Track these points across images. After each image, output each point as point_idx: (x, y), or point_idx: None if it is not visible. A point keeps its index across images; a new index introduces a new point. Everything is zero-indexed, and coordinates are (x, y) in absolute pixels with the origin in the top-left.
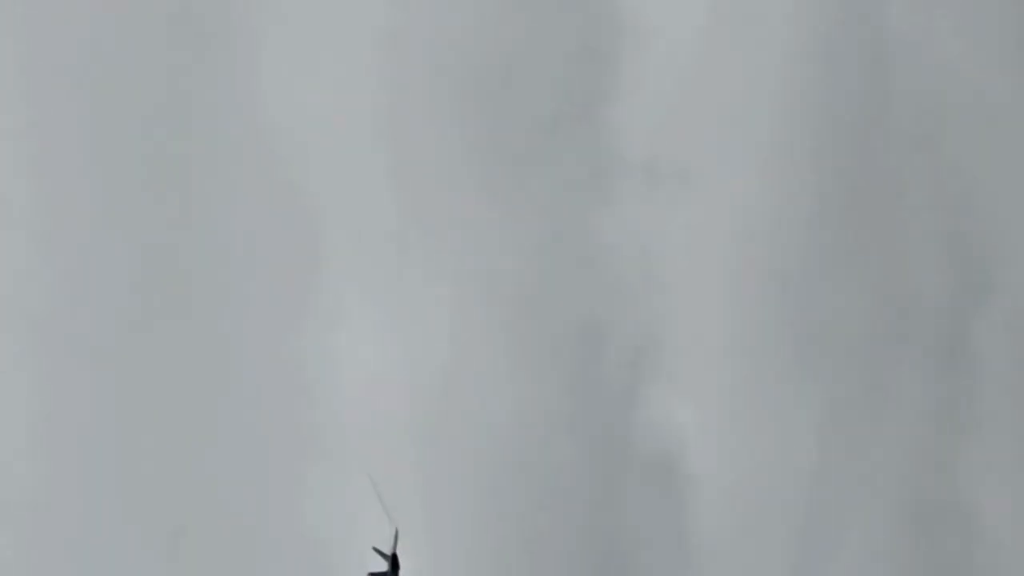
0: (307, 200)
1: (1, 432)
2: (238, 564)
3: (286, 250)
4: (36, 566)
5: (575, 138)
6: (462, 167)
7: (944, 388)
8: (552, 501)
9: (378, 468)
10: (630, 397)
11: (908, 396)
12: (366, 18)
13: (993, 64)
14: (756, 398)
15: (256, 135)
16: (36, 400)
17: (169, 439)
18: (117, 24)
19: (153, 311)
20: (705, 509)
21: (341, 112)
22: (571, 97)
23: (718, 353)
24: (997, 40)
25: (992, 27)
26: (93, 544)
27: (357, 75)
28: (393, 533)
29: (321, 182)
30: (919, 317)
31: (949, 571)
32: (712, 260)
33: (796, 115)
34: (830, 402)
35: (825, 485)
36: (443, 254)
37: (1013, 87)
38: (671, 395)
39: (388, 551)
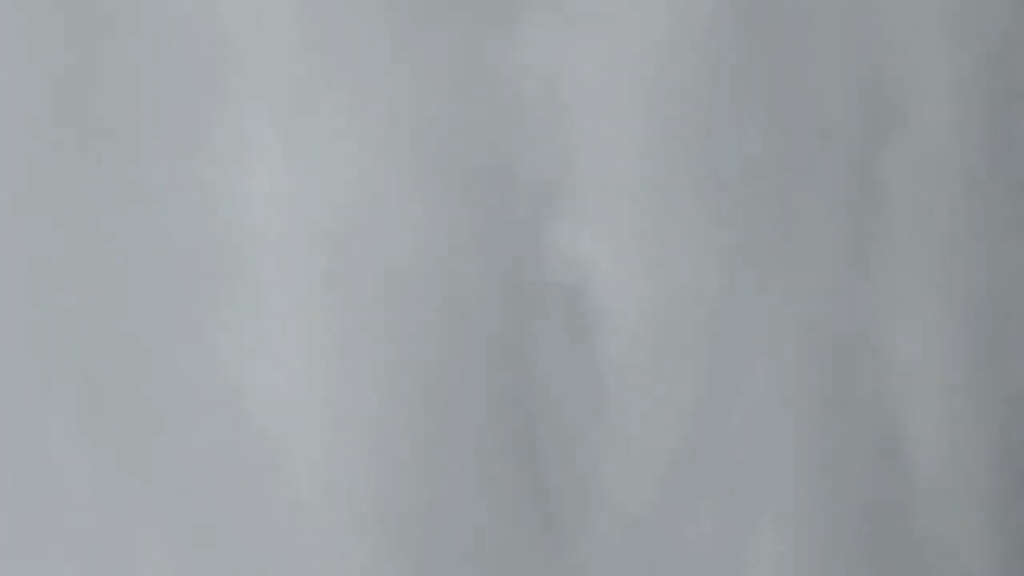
0: (212, 30)
1: None
2: (148, 409)
3: (190, 79)
4: None
5: None
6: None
7: (854, 225)
8: (460, 337)
9: (286, 307)
10: (538, 233)
11: (818, 232)
12: None
13: None
14: (665, 233)
15: None
16: None
17: (69, 266)
18: None
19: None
20: (614, 343)
21: None
22: None
23: (627, 189)
24: None
25: None
26: None
27: None
28: None
29: (227, 11)
30: (830, 154)
31: (858, 399)
32: (622, 96)
33: None
34: (739, 237)
35: (734, 320)
36: (349, 88)
37: None
38: (580, 231)
39: None
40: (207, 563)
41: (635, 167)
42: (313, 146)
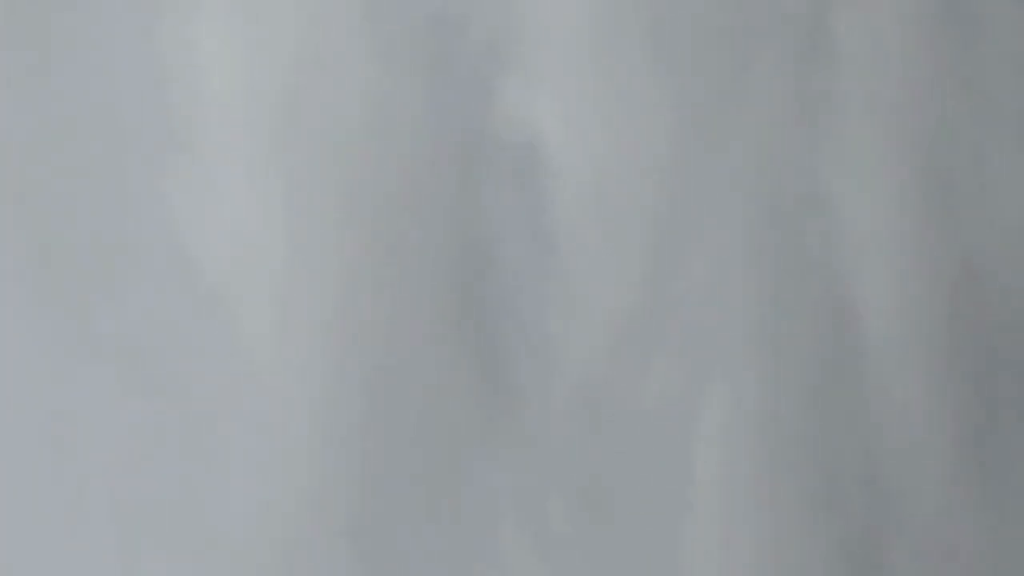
0: None
1: None
2: (98, 270)
3: None
4: None
5: None
6: None
7: (805, 83)
8: (409, 194)
9: (236, 166)
10: (487, 90)
11: (768, 90)
12: None
13: None
14: (616, 92)
15: None
16: None
17: (19, 128)
18: None
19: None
20: (564, 202)
21: None
22: None
23: (578, 45)
24: None
25: None
26: None
27: None
28: None
29: None
30: (779, 10)
31: (809, 260)
32: None
33: None
34: (690, 97)
35: (684, 179)
36: None
37: None
38: (530, 87)
39: None
40: (157, 423)
41: (586, 24)
42: (261, 4)
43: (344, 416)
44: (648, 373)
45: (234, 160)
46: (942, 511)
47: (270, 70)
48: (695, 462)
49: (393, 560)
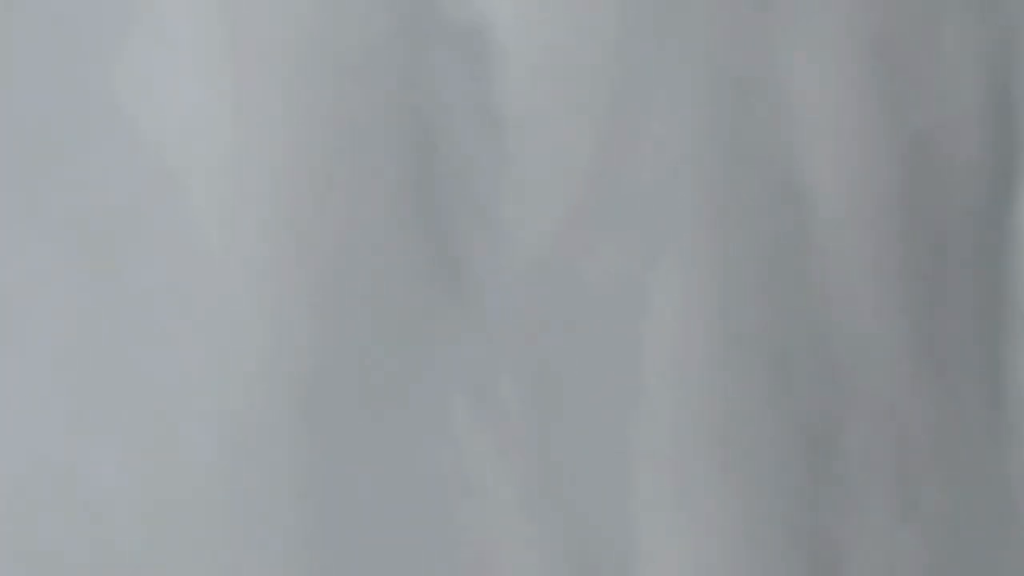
0: None
1: None
2: (43, 139)
3: None
4: None
5: None
6: None
7: None
8: (357, 75)
9: (185, 36)
10: None
11: None
12: None
13: None
14: None
15: None
16: None
17: None
18: None
19: None
20: (512, 83)
21: None
22: None
23: None
24: None
25: None
26: None
27: None
28: None
29: None
30: None
31: (758, 140)
32: None
33: None
34: None
35: (633, 59)
36: None
37: None
38: None
39: None
40: (102, 302)
41: None
42: None
43: (293, 295)
44: (598, 254)
45: (184, 38)
46: (893, 393)
47: None
48: (645, 344)
49: (345, 438)
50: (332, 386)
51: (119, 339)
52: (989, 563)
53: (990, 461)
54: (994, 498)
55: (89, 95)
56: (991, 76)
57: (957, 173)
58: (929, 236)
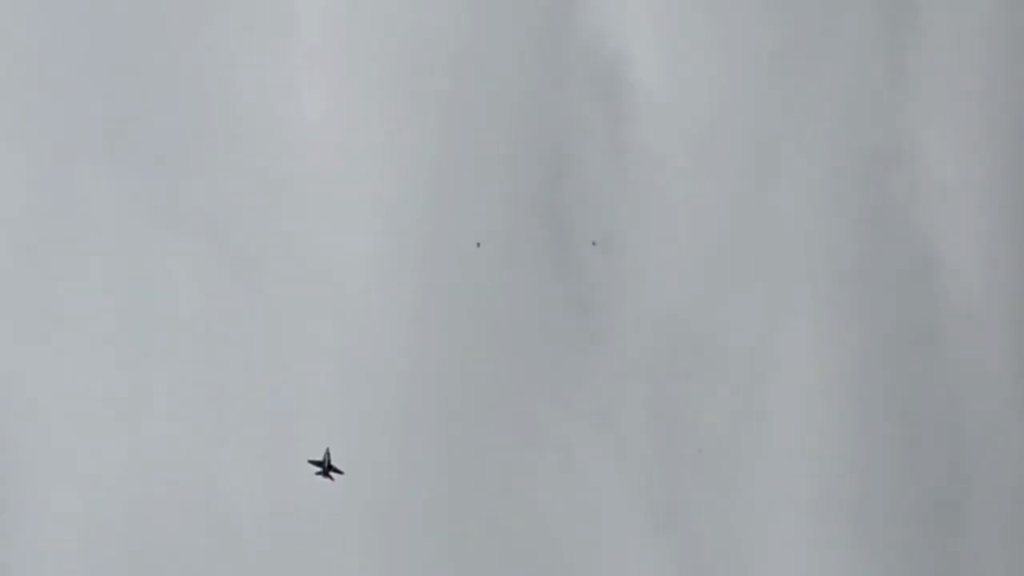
0: None
1: None
2: (224, 159)
3: None
4: None
5: None
6: None
7: (890, 33)
8: (495, 107)
9: (328, 70)
10: (573, 6)
11: (854, 39)
12: None
13: None
14: (708, 20)
15: None
16: None
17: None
18: None
19: None
20: (645, 118)
21: None
22: None
23: None
24: None
25: None
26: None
27: None
28: (325, 451)
29: None
30: None
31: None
32: None
33: None
34: (778, 38)
35: (768, 118)
36: None
37: None
38: (617, 8)
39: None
40: (238, 305)
41: None
42: None
43: (418, 314)
44: (728, 308)
45: (325, 67)
46: (1018, 462)
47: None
48: (770, 404)
49: (467, 455)
50: (457, 404)
51: (250, 345)
52: None
53: None
54: None
55: (221, 113)
56: None
57: None
58: None
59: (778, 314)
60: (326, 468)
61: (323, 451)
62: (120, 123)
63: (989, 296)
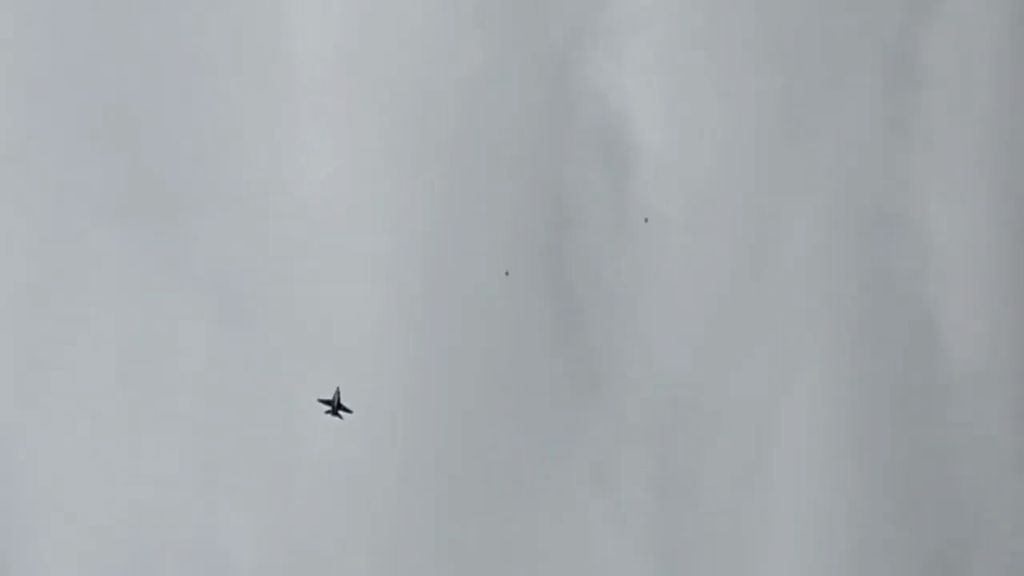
0: None
1: None
2: (228, 220)
3: None
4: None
5: None
6: None
7: (893, 100)
8: (497, 169)
9: (334, 127)
10: (573, 64)
11: (858, 106)
12: None
13: None
14: (710, 82)
15: None
16: None
17: (152, 107)
18: None
19: None
20: (644, 177)
21: None
22: None
23: (663, 22)
24: None
25: None
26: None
27: None
28: (335, 390)
29: None
30: (871, 34)
31: (895, 276)
32: None
33: None
34: (779, 98)
35: (772, 177)
36: None
37: None
38: (614, 63)
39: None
40: (235, 355)
41: (684, 13)
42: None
43: (421, 366)
44: (733, 372)
45: (331, 124)
46: (1019, 535)
47: (373, 48)
48: (774, 467)
49: (472, 504)
50: (457, 467)
51: (251, 402)
52: None
53: None
54: None
55: (227, 166)
56: None
57: None
58: None
59: (780, 377)
60: (335, 407)
61: (333, 390)
62: (124, 182)
63: (991, 360)
